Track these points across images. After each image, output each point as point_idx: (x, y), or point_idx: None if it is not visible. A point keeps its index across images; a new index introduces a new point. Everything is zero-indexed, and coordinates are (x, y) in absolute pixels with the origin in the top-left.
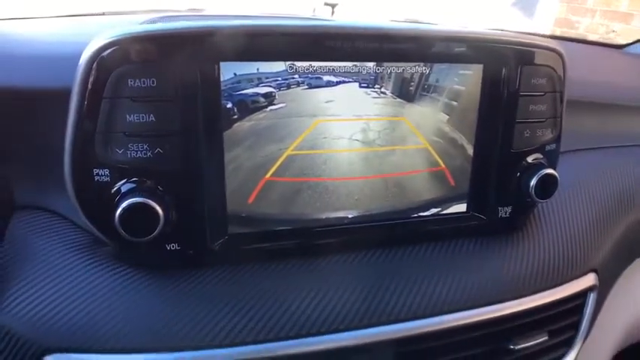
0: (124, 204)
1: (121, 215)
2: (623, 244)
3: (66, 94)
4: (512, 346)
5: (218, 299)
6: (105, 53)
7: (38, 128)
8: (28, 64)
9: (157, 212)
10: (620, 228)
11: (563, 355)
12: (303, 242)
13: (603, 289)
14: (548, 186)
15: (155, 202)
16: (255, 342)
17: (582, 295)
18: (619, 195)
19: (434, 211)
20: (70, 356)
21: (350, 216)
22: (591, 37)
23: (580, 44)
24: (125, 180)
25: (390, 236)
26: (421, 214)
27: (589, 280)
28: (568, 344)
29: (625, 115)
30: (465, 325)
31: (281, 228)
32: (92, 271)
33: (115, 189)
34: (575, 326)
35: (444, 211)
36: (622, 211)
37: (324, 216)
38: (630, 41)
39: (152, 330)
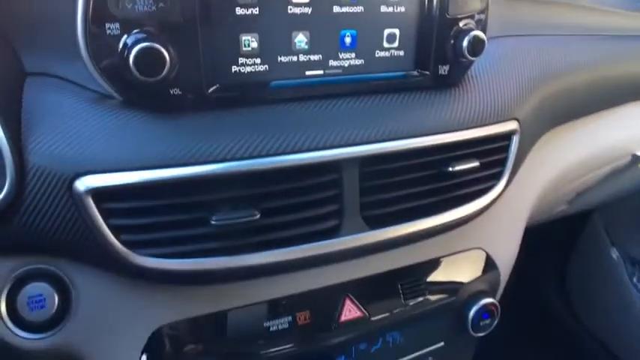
0: (137, 48)
1: (135, 58)
2: (542, 108)
3: None
4: (449, 169)
5: (212, 128)
6: None
7: None
8: None
9: (164, 55)
10: (540, 92)
11: (492, 186)
12: (282, 92)
13: (525, 140)
14: (476, 45)
15: (162, 46)
16: (250, 157)
17: (507, 137)
18: (542, 67)
19: (386, 68)
20: (96, 176)
21: (316, 72)
22: None
23: None
24: (134, 31)
25: (349, 90)
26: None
27: (512, 124)
28: (497, 177)
29: (559, 10)
30: (411, 149)
31: (263, 80)
32: (104, 115)
33: (124, 39)
34: (502, 163)
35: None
36: (542, 80)
37: (297, 70)
38: None
39: (162, 151)
